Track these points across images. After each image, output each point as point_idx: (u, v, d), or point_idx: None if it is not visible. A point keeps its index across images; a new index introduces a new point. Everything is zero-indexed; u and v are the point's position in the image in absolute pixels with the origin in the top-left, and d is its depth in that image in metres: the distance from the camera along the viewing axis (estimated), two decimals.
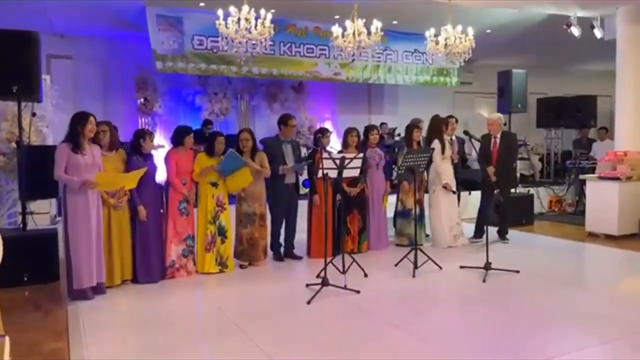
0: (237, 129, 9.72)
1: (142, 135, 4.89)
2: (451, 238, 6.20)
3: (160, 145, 7.59)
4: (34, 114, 5.53)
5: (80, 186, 4.20)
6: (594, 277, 5.38)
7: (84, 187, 4.21)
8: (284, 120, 5.76)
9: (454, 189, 6.17)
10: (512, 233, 6.68)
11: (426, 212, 6.40)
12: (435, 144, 6.13)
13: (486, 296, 4.43)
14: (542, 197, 9.00)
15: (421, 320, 3.89)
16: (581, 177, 7.97)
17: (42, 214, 5.80)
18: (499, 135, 6.33)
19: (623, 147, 7.20)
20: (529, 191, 8.70)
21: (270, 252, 5.71)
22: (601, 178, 7.00)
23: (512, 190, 7.54)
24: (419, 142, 6.29)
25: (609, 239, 6.73)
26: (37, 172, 5.10)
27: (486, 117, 6.56)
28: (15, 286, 4.64)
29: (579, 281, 5.16)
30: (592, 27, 7.91)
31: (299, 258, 5.74)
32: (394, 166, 6.40)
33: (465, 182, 6.62)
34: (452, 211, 6.25)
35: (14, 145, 5.58)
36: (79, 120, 4.30)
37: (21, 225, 5.12)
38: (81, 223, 4.25)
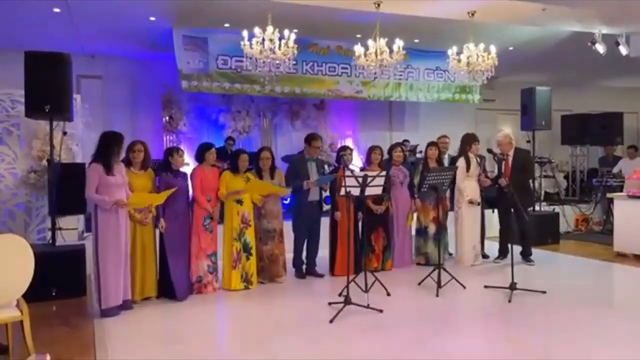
0: (259, 147, 9.88)
1: (171, 153, 4.99)
2: (472, 257, 6.13)
3: (185, 163, 7.71)
4: (65, 133, 5.70)
5: (112, 206, 4.28)
6: (624, 299, 5.24)
7: (115, 207, 4.29)
8: (308, 140, 5.82)
9: (479, 200, 6.11)
10: (537, 252, 6.56)
11: (449, 230, 6.35)
12: (460, 161, 6.10)
13: (512, 317, 4.35)
14: (568, 216, 8.84)
15: (445, 340, 3.83)
16: (608, 195, 7.81)
17: (70, 229, 5.92)
18: (511, 153, 6.25)
19: None
20: (554, 209, 8.55)
21: (289, 268, 5.72)
22: (630, 197, 6.85)
23: (530, 208, 7.42)
24: (437, 160, 6.23)
25: (639, 259, 6.55)
26: (66, 188, 5.24)
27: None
28: (44, 300, 4.71)
29: (608, 302, 5.03)
30: (617, 44, 7.83)
31: (321, 276, 5.73)
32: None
33: (488, 199, 6.55)
34: (476, 230, 6.18)
35: (44, 162, 5.75)
36: (114, 141, 4.36)
37: (50, 241, 5.24)
38: (111, 241, 4.31)
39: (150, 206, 4.69)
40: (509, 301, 4.65)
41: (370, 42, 6.71)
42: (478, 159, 6.25)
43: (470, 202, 6.08)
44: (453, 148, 6.88)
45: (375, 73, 6.84)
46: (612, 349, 3.57)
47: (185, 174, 5.09)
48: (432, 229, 6.10)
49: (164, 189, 4.69)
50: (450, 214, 6.45)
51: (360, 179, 4.53)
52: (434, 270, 5.17)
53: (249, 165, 5.51)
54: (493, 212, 6.90)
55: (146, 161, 4.80)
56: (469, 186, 6.11)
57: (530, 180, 6.97)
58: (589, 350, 3.54)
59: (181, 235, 4.92)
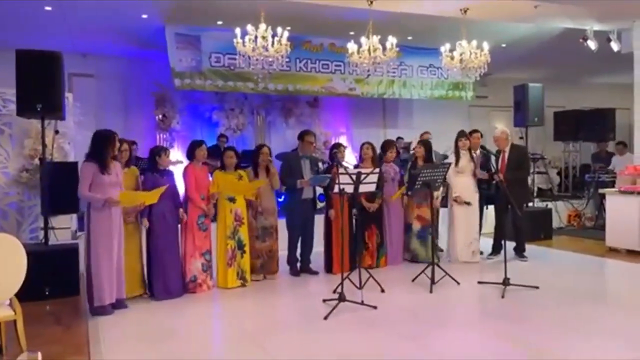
0: (253, 144, 9.85)
1: (158, 152, 4.98)
2: (469, 254, 6.13)
3: (179, 161, 7.69)
4: (57, 132, 5.66)
5: (103, 204, 4.27)
6: (616, 293, 5.29)
7: (107, 205, 4.28)
8: (301, 136, 5.83)
9: (467, 200, 6.11)
10: (530, 248, 6.60)
11: (441, 228, 6.36)
12: (450, 157, 6.14)
13: (505, 312, 4.37)
14: (560, 212, 8.89)
15: (439, 336, 3.85)
16: (600, 191, 7.86)
17: (63, 228, 5.90)
18: (507, 149, 6.29)
19: None
20: (547, 205, 8.60)
21: (284, 266, 5.72)
22: (621, 192, 6.91)
23: (528, 204, 7.44)
24: (423, 158, 6.18)
25: (631, 254, 6.60)
26: (58, 187, 5.22)
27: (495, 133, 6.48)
28: (37, 300, 4.70)
29: (601, 297, 5.07)
30: (609, 40, 7.87)
31: (315, 273, 5.74)
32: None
33: (486, 196, 6.57)
34: (471, 226, 6.17)
35: (37, 161, 5.72)
36: (106, 139, 4.36)
37: (43, 240, 5.22)
38: (103, 240, 4.31)
39: (140, 204, 4.67)
40: (502, 297, 4.67)
41: (363, 39, 6.71)
42: (475, 155, 6.25)
43: (455, 200, 6.09)
44: (447, 144, 6.89)
45: (368, 70, 6.86)
46: (605, 343, 3.60)
47: (171, 173, 5.07)
48: (416, 226, 6.12)
49: (151, 188, 4.66)
50: (444, 211, 6.45)
51: (353, 176, 4.54)
52: (427, 266, 5.19)
53: (244, 163, 5.50)
54: (487, 208, 6.94)
55: (130, 159, 4.88)
56: (459, 182, 6.13)
57: (528, 176, 6.99)
58: (582, 344, 3.57)
59: (170, 235, 4.89)
